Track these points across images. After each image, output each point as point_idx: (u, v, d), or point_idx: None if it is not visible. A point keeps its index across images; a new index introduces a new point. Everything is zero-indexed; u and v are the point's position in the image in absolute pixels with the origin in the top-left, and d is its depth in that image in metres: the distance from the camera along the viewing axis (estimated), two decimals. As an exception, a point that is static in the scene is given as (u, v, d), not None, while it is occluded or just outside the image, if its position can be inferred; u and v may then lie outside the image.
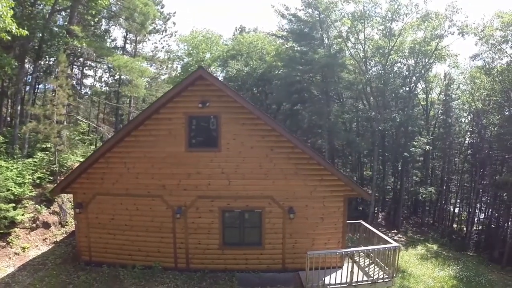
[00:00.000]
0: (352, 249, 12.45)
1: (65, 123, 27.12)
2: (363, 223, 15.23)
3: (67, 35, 24.70)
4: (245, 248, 12.92)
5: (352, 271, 11.74)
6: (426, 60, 30.87)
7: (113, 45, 36.13)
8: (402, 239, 29.04)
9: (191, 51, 41.85)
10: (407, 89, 32.63)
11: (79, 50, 26.09)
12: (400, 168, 34.14)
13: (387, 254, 12.02)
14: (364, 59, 31.34)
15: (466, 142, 39.76)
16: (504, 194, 31.16)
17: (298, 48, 31.90)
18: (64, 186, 13.46)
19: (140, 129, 12.99)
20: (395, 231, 30.72)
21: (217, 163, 12.59)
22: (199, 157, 12.70)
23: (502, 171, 35.48)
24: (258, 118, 12.23)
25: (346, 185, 12.55)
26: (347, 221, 14.75)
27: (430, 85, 37.59)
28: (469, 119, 39.39)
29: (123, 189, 13.07)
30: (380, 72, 31.03)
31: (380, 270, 12.34)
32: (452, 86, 36.67)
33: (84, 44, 24.18)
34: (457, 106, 38.29)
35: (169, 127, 12.81)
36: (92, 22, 26.91)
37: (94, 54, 24.28)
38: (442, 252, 27.02)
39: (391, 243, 12.15)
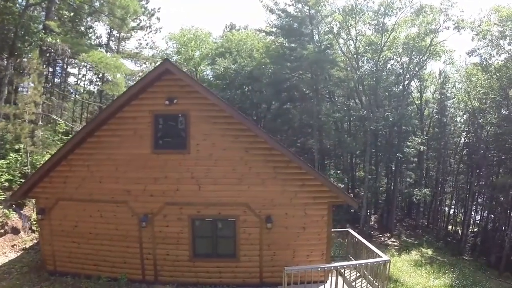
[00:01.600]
0: (335, 264, 11.13)
1: (40, 123, 25.82)
2: (351, 231, 13.98)
3: (44, 31, 23.57)
4: (218, 260, 11.64)
5: (336, 287, 10.51)
6: (420, 57, 29.67)
7: (97, 42, 34.94)
8: (395, 243, 27.94)
9: (180, 49, 40.53)
10: (401, 87, 31.47)
11: (56, 47, 24.78)
12: (393, 169, 33.03)
13: (377, 268, 10.78)
14: (355, 56, 30.15)
15: (462, 142, 38.70)
16: (501, 197, 30.08)
17: (287, 45, 30.71)
18: (26, 190, 12.25)
19: (104, 129, 11.77)
20: (388, 235, 29.62)
21: (186, 166, 11.30)
22: (166, 160, 11.44)
23: (498, 172, 34.48)
24: (231, 116, 10.94)
25: (330, 191, 11.27)
26: (334, 229, 13.68)
27: (424, 84, 36.50)
28: (465, 118, 38.31)
29: (86, 194, 11.90)
30: (373, 69, 29.78)
31: (368, 285, 11.11)
32: (447, 84, 35.63)
33: (58, 40, 22.89)
34: (452, 105, 37.25)
35: (134, 127, 11.57)
36: (67, 16, 25.51)
37: (69, 50, 22.91)
38: (437, 257, 25.96)
39: (380, 256, 10.89)
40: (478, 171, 33.90)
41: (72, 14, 25.71)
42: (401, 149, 28.52)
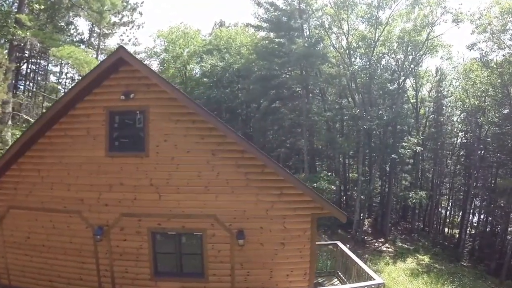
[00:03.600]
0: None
1: (9, 122, 24.20)
2: (340, 244, 12.40)
3: (16, 25, 22.09)
4: (184, 279, 10.04)
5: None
6: (416, 52, 28.08)
7: (78, 39, 33.56)
8: (390, 249, 26.47)
9: (168, 47, 38.85)
10: (396, 85, 29.82)
11: (25, 41, 23.19)
12: (388, 170, 31.55)
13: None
14: (348, 51, 28.55)
15: (459, 142, 37.29)
16: (502, 201, 28.67)
17: (276, 40, 29.17)
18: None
19: (55, 128, 10.22)
20: (383, 240, 28.16)
21: (144, 171, 9.69)
22: (122, 164, 9.83)
23: (497, 174, 33.11)
24: (196, 113, 9.34)
25: (313, 201, 9.67)
26: (321, 243, 12.19)
27: (420, 81, 34.95)
28: (462, 117, 36.87)
29: (38, 202, 10.42)
30: (366, 65, 28.09)
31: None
32: (444, 82, 34.15)
33: (28, 33, 21.37)
34: (449, 104, 35.76)
35: (87, 126, 10.01)
36: (38, 9, 24.04)
37: (38, 45, 21.48)
38: (435, 265, 24.56)
39: (373, 278, 9.34)
40: (476, 172, 32.54)
41: (44, 7, 24.22)
42: (396, 149, 26.96)
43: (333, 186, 26.66)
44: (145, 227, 9.89)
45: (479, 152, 31.88)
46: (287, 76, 28.87)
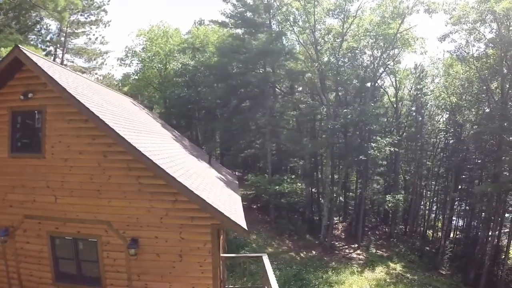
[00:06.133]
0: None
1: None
2: (264, 259, 11.69)
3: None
4: (83, 286, 9.77)
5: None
6: (387, 45, 26.76)
7: (49, 38, 33.81)
8: (360, 256, 25.34)
9: (147, 46, 38.44)
10: (369, 83, 28.58)
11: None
12: (360, 173, 30.63)
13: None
14: (314, 46, 27.49)
15: (442, 142, 35.91)
16: (482, 206, 27.63)
17: (240, 36, 28.60)
18: None
19: (-29, 128, 10.09)
20: (356, 245, 27.12)
21: (41, 173, 9.46)
22: (23, 165, 9.66)
23: (481, 176, 31.90)
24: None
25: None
26: (247, 254, 11.57)
27: (398, 78, 33.59)
28: (445, 117, 35.52)
29: (-45, 203, 10.22)
30: (334, 61, 26.83)
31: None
32: (425, 80, 32.86)
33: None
34: (430, 102, 34.39)
35: (-6, 127, 9.87)
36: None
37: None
38: (406, 274, 23.44)
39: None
40: (457, 175, 31.36)
41: (8, 7, 24.20)
42: (366, 150, 25.86)
43: (298, 188, 25.83)
44: (44, 230, 9.66)
45: (462, 153, 30.71)
46: (255, 73, 28.17)
